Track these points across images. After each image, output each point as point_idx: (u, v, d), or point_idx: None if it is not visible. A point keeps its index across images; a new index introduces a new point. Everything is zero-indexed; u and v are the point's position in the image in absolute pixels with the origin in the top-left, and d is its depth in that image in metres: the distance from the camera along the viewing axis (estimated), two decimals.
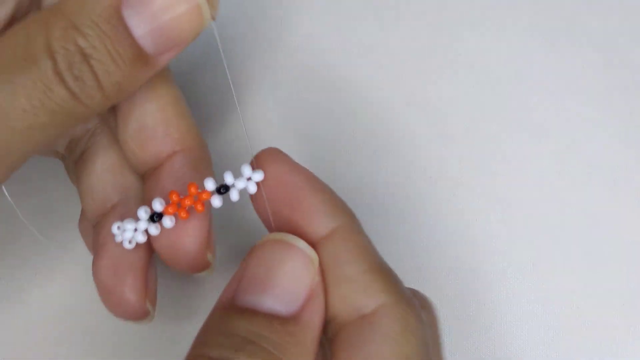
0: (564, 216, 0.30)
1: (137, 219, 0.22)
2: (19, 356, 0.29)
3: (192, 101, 0.32)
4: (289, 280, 0.19)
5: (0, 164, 0.20)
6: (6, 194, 0.23)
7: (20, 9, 0.23)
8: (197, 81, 0.33)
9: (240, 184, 0.21)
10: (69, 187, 0.28)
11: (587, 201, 0.30)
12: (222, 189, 0.21)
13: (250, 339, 0.18)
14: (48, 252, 0.30)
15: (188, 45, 0.21)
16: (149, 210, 0.21)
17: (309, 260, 0.20)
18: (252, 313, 0.18)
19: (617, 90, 0.32)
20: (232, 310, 0.19)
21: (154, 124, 0.24)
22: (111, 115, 0.25)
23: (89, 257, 0.25)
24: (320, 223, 0.20)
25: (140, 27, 0.19)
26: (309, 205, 0.20)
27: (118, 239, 0.22)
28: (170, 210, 0.21)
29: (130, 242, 0.22)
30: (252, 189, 0.21)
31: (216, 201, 0.21)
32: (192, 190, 0.21)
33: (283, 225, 0.21)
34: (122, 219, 0.24)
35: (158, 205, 0.21)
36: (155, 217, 0.21)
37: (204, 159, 0.24)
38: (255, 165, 0.21)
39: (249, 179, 0.21)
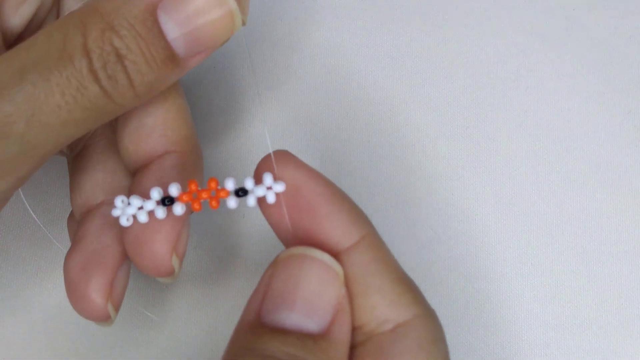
0: (563, 216, 0.30)
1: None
2: (19, 356, 0.29)
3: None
4: (316, 296, 0.19)
5: (33, 157, 0.20)
6: (21, 194, 0.23)
7: (43, 8, 0.24)
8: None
9: (259, 191, 0.20)
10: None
11: (587, 201, 0.30)
12: (241, 192, 0.20)
13: None
14: (49, 251, 0.30)
15: (217, 48, 0.21)
16: (162, 192, 0.21)
17: (334, 273, 0.19)
18: (284, 333, 0.18)
19: (616, 90, 0.32)
20: (261, 329, 0.18)
21: (153, 123, 0.24)
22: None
23: None
24: (346, 233, 0.20)
25: (174, 30, 0.20)
26: (333, 216, 0.20)
27: (117, 212, 0.21)
28: (185, 198, 0.20)
29: (128, 219, 0.21)
30: (271, 198, 0.20)
31: (232, 202, 0.21)
32: (212, 185, 0.20)
33: (302, 235, 0.20)
34: (105, 219, 0.24)
35: (174, 190, 0.21)
36: (167, 201, 0.21)
37: (196, 165, 0.24)
38: (259, 168, 0.20)
39: (269, 188, 0.20)
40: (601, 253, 0.30)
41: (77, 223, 0.25)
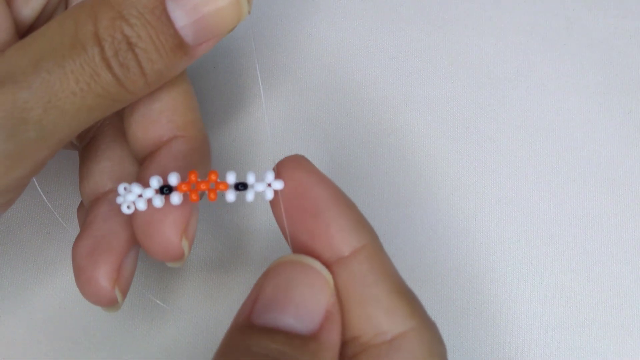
0: (563, 215, 0.30)
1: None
2: (19, 356, 0.29)
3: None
4: (306, 300, 0.19)
5: (49, 142, 0.21)
6: (37, 185, 0.23)
7: (51, 1, 0.24)
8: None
9: (259, 187, 0.20)
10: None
11: (587, 200, 0.30)
12: (240, 186, 0.21)
13: (274, 357, 0.18)
14: (49, 251, 0.30)
15: (224, 37, 0.22)
16: (161, 181, 0.21)
17: (325, 281, 0.19)
18: (273, 331, 0.18)
19: (616, 90, 0.32)
20: (251, 329, 0.19)
21: (160, 109, 0.24)
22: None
23: None
24: (346, 241, 0.20)
25: (182, 18, 0.20)
26: (335, 222, 0.20)
27: (119, 200, 0.21)
28: (183, 187, 0.21)
29: (129, 207, 0.21)
30: (270, 195, 0.20)
31: (231, 195, 0.21)
32: (212, 177, 0.20)
33: (305, 238, 0.20)
34: (112, 205, 0.24)
35: (173, 179, 0.21)
36: (165, 190, 0.21)
37: (204, 150, 0.25)
38: (277, 172, 0.21)
39: (269, 185, 0.20)
40: (601, 253, 0.30)
41: (86, 211, 0.26)
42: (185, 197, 0.21)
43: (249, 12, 0.21)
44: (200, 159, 0.24)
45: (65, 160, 0.30)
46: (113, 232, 0.24)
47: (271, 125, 0.32)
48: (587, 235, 0.30)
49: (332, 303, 0.19)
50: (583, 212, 0.30)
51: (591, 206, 0.30)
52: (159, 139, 0.24)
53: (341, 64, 0.33)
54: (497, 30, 0.33)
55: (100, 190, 0.25)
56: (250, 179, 0.21)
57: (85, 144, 0.27)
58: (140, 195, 0.21)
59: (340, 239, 0.20)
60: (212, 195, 0.21)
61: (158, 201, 0.21)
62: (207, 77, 0.33)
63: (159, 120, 0.24)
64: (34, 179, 0.26)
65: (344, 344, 0.20)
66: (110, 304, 0.24)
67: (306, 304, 0.19)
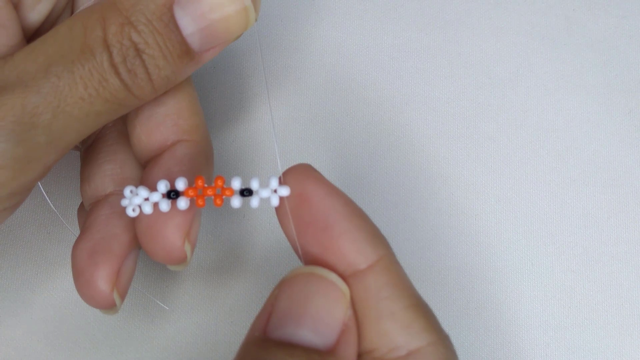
0: (563, 215, 0.30)
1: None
2: (19, 356, 0.29)
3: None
4: (324, 314, 0.19)
5: (58, 146, 0.21)
6: (39, 185, 0.23)
7: (59, 5, 0.24)
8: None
9: (264, 193, 0.20)
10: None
11: (587, 200, 0.30)
12: (246, 192, 0.21)
13: None
14: (49, 252, 0.30)
15: (230, 43, 0.22)
16: (169, 185, 0.21)
17: (341, 293, 0.19)
18: (291, 346, 0.18)
19: (616, 90, 0.32)
20: (268, 343, 0.18)
21: (165, 112, 0.24)
22: None
23: None
24: (362, 254, 0.20)
25: (190, 25, 0.21)
26: (349, 235, 0.20)
27: (125, 202, 0.21)
28: (190, 192, 0.21)
29: (134, 210, 0.21)
30: (275, 201, 0.20)
31: (236, 201, 0.21)
32: (219, 182, 0.20)
33: (316, 251, 0.20)
34: (113, 208, 0.24)
35: (181, 184, 0.21)
36: (172, 194, 0.21)
37: (207, 154, 0.25)
38: (283, 180, 0.20)
39: (275, 191, 0.20)
40: (601, 253, 0.30)
41: (86, 213, 0.26)
42: (191, 201, 0.21)
43: (256, 20, 0.22)
44: (204, 163, 0.24)
45: (67, 160, 0.30)
46: (113, 235, 0.24)
47: (274, 125, 0.32)
48: (587, 235, 0.30)
49: (349, 316, 0.19)
50: (583, 212, 0.30)
51: (591, 206, 0.30)
52: (163, 142, 0.24)
53: (341, 64, 0.33)
54: (497, 30, 0.33)
55: (101, 193, 0.25)
56: (254, 184, 0.20)
57: (88, 145, 0.27)
58: (146, 199, 0.21)
59: (356, 252, 0.19)
60: (218, 201, 0.21)
61: (165, 205, 0.21)
62: (207, 78, 0.33)
63: (164, 123, 0.24)
64: None
65: (357, 358, 0.20)
66: (109, 307, 0.24)
67: (323, 317, 0.19)
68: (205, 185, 0.21)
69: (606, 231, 0.30)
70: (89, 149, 0.26)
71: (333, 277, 0.19)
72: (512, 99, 0.32)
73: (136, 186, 0.21)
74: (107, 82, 0.20)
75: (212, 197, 0.21)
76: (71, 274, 0.24)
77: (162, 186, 0.21)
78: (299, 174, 0.20)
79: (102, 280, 0.23)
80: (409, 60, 0.33)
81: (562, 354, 0.28)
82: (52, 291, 0.30)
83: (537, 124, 0.31)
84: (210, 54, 0.22)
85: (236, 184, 0.21)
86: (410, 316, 0.19)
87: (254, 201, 0.20)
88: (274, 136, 0.31)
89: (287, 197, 0.20)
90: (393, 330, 0.19)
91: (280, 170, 0.21)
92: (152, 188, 0.21)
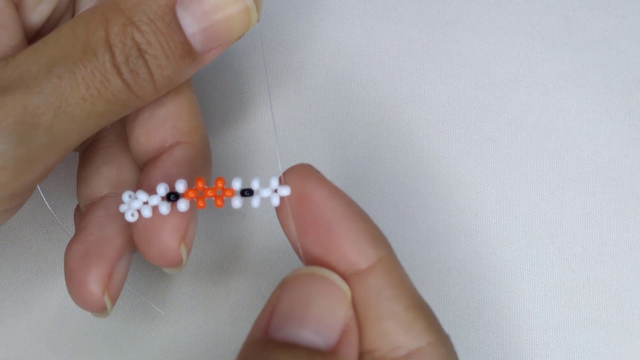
0: (563, 215, 0.30)
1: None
2: (20, 355, 0.29)
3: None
4: (325, 314, 0.19)
5: (59, 147, 0.21)
6: (38, 188, 0.23)
7: (60, 5, 0.24)
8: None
9: (265, 192, 0.20)
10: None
11: (586, 200, 0.30)
12: (247, 192, 0.20)
13: None
14: (49, 252, 0.30)
15: (232, 44, 0.22)
16: (168, 187, 0.21)
17: (342, 294, 0.19)
18: (293, 346, 0.18)
19: (616, 90, 0.32)
20: (270, 344, 0.18)
21: (165, 114, 0.24)
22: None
23: None
24: (363, 255, 0.19)
25: (192, 25, 0.21)
26: (350, 235, 0.20)
27: (123, 208, 0.21)
28: (190, 194, 0.21)
29: (133, 214, 0.21)
30: (276, 201, 0.20)
31: (237, 202, 0.20)
32: (219, 184, 0.20)
33: (317, 251, 0.20)
34: (108, 211, 0.24)
35: (181, 186, 0.21)
36: (172, 197, 0.21)
37: (206, 156, 0.25)
38: (283, 180, 0.20)
39: (275, 191, 0.20)
40: (601, 253, 0.30)
41: (82, 215, 0.26)
42: (191, 203, 0.21)
43: (258, 20, 0.22)
44: (202, 165, 0.24)
45: (67, 161, 0.30)
46: (106, 238, 0.24)
47: (275, 126, 0.32)
48: (587, 235, 0.30)
49: (350, 316, 0.19)
50: (583, 212, 0.30)
51: (591, 206, 0.30)
52: (162, 144, 0.24)
53: (341, 64, 0.33)
54: (497, 30, 0.33)
55: (97, 195, 0.25)
56: (255, 184, 0.20)
57: (86, 147, 0.27)
58: (146, 202, 0.21)
59: (357, 252, 0.19)
60: (218, 202, 0.21)
61: (164, 208, 0.21)
62: (207, 78, 0.33)
63: (163, 125, 0.24)
64: None
65: (358, 357, 0.20)
66: (99, 309, 0.24)
67: (325, 317, 0.19)
68: (205, 187, 0.21)
69: (606, 231, 0.30)
70: (86, 150, 0.26)
71: (334, 277, 0.19)
72: (512, 99, 0.32)
73: (133, 190, 0.21)
74: (109, 83, 0.20)
75: (213, 198, 0.21)
76: None
77: (162, 189, 0.21)
78: (299, 174, 0.20)
79: (94, 283, 0.23)
80: (409, 60, 0.33)
81: (562, 354, 0.28)
82: (52, 291, 0.30)
83: (537, 124, 0.31)
84: (213, 54, 0.22)
85: (237, 185, 0.20)
86: (411, 316, 0.19)
87: (255, 201, 0.20)
88: (275, 136, 0.31)
89: (288, 197, 0.20)
90: (394, 330, 0.19)
91: (281, 170, 0.21)
92: (150, 190, 0.21)
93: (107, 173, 0.25)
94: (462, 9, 0.33)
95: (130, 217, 0.21)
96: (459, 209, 0.30)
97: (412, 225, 0.30)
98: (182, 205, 0.21)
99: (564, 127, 0.31)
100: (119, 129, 0.26)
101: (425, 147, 0.31)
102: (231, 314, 0.29)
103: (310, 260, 0.20)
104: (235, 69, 0.33)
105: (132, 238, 0.23)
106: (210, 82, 0.33)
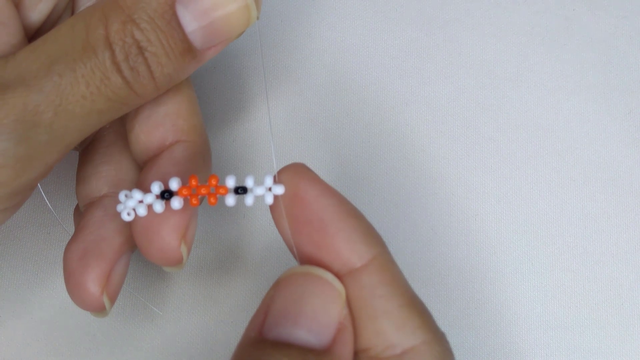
0: (563, 216, 0.30)
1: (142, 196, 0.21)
2: (20, 355, 0.29)
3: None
4: (319, 313, 0.19)
5: (59, 145, 0.21)
6: (38, 185, 0.23)
7: (60, 4, 0.24)
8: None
9: (259, 190, 0.20)
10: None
11: (586, 200, 0.30)
12: (240, 190, 0.20)
13: None
14: (49, 251, 0.30)
15: (232, 41, 0.22)
16: (162, 186, 0.21)
17: (337, 293, 0.19)
18: (287, 346, 0.18)
19: (616, 90, 0.32)
20: (264, 343, 0.18)
21: (165, 112, 0.24)
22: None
23: None
24: (356, 253, 0.19)
25: (191, 23, 0.21)
26: (344, 234, 0.20)
27: (120, 207, 0.21)
28: (184, 192, 0.21)
29: (129, 214, 0.21)
30: (270, 199, 0.20)
31: (230, 200, 0.20)
32: (213, 182, 0.20)
33: (311, 250, 0.20)
34: (107, 210, 0.24)
35: (174, 184, 0.21)
36: (166, 195, 0.21)
37: (205, 155, 0.25)
38: (277, 179, 0.20)
39: (269, 189, 0.20)
40: (601, 253, 0.30)
41: (81, 214, 0.26)
42: (186, 201, 0.21)
43: (258, 18, 0.22)
44: (201, 164, 0.24)
45: (66, 160, 0.30)
46: (105, 238, 0.24)
47: (271, 125, 0.32)
48: (587, 235, 0.30)
49: (345, 315, 0.19)
50: (583, 212, 0.30)
51: (591, 206, 0.30)
52: (162, 142, 0.24)
53: (341, 64, 0.33)
54: (497, 30, 0.33)
55: (96, 194, 0.25)
56: (249, 182, 0.20)
57: (86, 146, 0.27)
58: (141, 201, 0.21)
59: (351, 251, 0.19)
60: (212, 200, 0.20)
61: (159, 206, 0.21)
62: (207, 78, 0.33)
63: (163, 123, 0.24)
64: None
65: (353, 356, 0.20)
66: (98, 309, 0.24)
67: (319, 316, 0.19)
68: (199, 184, 0.21)
69: (606, 231, 0.30)
70: (86, 150, 0.26)
71: (328, 276, 0.19)
72: (512, 99, 0.32)
73: (131, 189, 0.21)
74: (109, 80, 0.20)
75: (207, 196, 0.21)
76: None
77: (156, 187, 0.21)
78: (293, 173, 0.20)
79: (92, 283, 0.23)
80: (409, 60, 0.33)
81: (562, 354, 0.28)
82: (52, 291, 0.30)
83: (537, 124, 0.31)
84: (212, 51, 0.22)
85: (230, 182, 0.20)
86: (406, 315, 0.19)
87: (249, 199, 0.20)
88: (270, 135, 0.31)
89: (282, 196, 0.20)
90: (388, 329, 0.19)
91: (276, 169, 0.21)
92: (148, 189, 0.21)
93: (106, 172, 0.25)
94: (462, 9, 0.33)
95: (126, 217, 0.21)
96: (459, 209, 0.30)
97: (412, 225, 0.30)
98: (176, 203, 0.21)
99: (564, 127, 0.31)
100: (118, 128, 0.26)
101: (425, 147, 0.31)
102: (231, 314, 0.29)
103: (305, 259, 0.20)
104: (234, 69, 0.33)
105: (131, 237, 0.23)
106: (209, 82, 0.33)
